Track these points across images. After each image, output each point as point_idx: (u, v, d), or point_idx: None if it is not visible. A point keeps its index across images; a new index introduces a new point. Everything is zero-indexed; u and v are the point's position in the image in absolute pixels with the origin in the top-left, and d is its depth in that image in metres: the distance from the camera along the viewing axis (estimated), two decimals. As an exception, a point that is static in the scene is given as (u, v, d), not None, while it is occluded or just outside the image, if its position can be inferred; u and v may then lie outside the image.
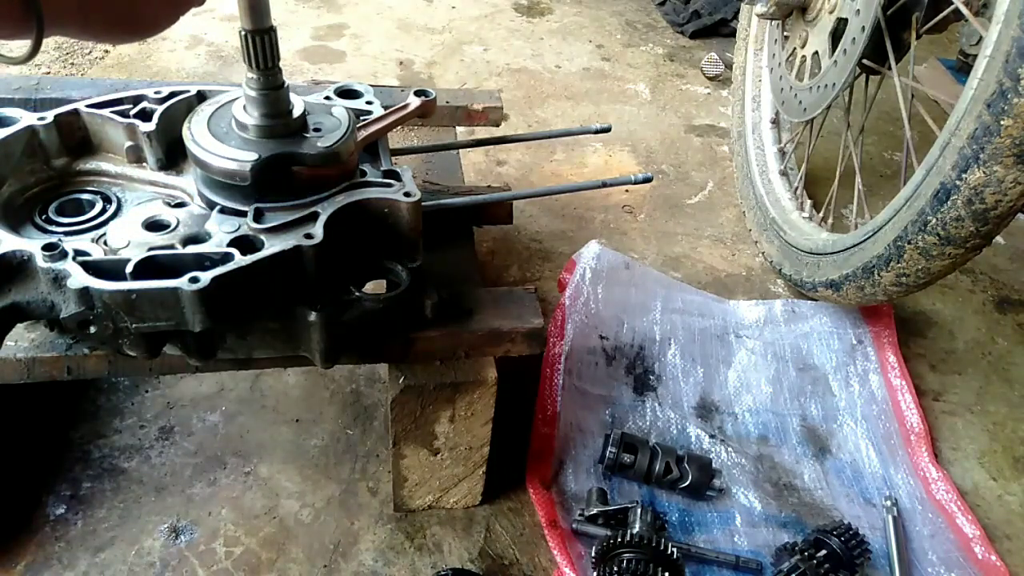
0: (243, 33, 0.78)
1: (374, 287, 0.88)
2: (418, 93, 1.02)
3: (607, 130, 1.25)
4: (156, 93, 0.92)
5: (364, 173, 0.89)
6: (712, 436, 1.24)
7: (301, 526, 1.06)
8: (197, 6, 0.77)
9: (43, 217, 0.85)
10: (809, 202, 1.62)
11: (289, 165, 0.83)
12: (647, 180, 1.14)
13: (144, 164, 0.90)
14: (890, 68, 1.27)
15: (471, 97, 1.38)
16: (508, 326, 0.93)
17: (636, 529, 1.00)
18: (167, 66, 2.15)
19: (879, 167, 2.01)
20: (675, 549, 0.96)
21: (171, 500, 1.07)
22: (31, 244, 0.73)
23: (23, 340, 0.82)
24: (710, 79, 2.31)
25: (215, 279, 0.70)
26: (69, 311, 0.70)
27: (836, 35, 1.31)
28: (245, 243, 0.77)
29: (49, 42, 2.13)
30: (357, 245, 0.86)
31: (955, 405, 1.37)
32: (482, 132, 1.58)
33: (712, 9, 2.56)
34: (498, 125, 1.40)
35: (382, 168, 0.92)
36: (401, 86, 1.92)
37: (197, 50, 2.24)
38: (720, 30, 2.56)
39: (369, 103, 1.00)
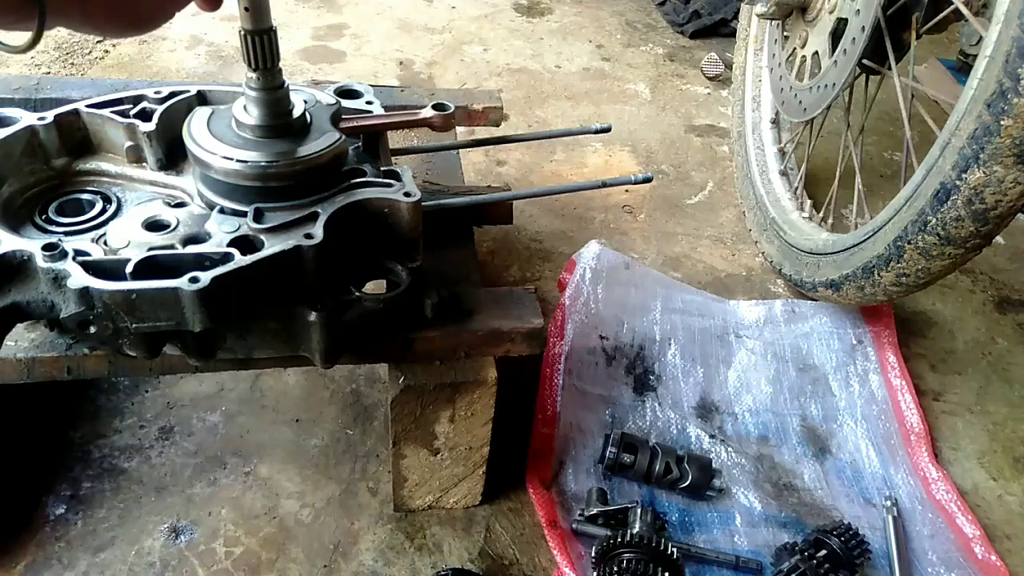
0: (243, 33, 0.78)
1: (374, 287, 0.88)
2: (436, 107, 1.02)
3: (607, 130, 1.25)
4: (156, 93, 0.92)
5: (364, 173, 0.89)
6: (712, 436, 1.24)
7: (301, 526, 1.07)
8: (210, 9, 0.76)
9: (43, 217, 0.85)
10: (809, 202, 1.62)
11: (289, 165, 0.83)
12: (647, 180, 1.15)
13: (144, 164, 0.90)
14: (890, 68, 1.27)
15: (471, 97, 1.38)
16: (508, 326, 0.93)
17: (636, 529, 1.00)
18: (167, 66, 2.15)
19: (879, 167, 2.01)
20: (675, 549, 0.96)
21: (171, 500, 1.07)
22: (31, 244, 0.73)
23: (23, 340, 0.82)
24: (710, 79, 2.31)
25: (215, 279, 0.70)
26: (69, 311, 0.70)
27: (836, 35, 1.31)
28: (245, 243, 0.77)
29: (49, 42, 2.14)
30: (357, 245, 0.86)
31: (955, 405, 1.37)
32: (482, 132, 1.58)
33: (712, 9, 2.56)
34: (498, 125, 1.40)
35: (382, 168, 0.92)
36: (401, 86, 1.93)
37: (197, 50, 2.23)
38: (720, 30, 2.56)
39: (369, 103, 1.00)
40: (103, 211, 0.86)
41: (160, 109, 0.90)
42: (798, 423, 1.29)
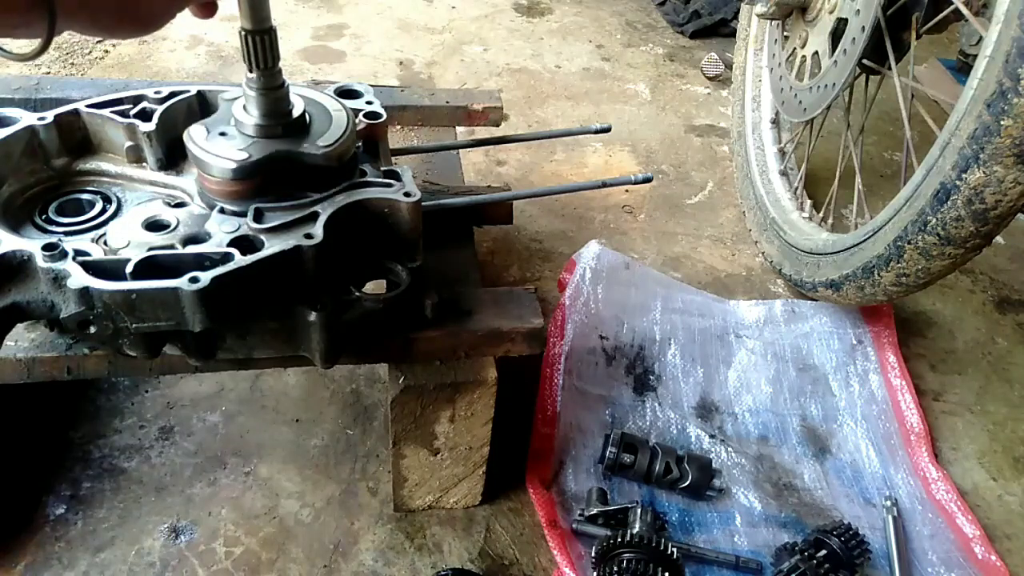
0: (243, 33, 0.78)
1: (374, 287, 0.88)
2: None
3: (607, 130, 1.25)
4: (156, 93, 0.92)
5: (364, 173, 0.89)
6: (712, 436, 1.24)
7: (301, 526, 1.07)
8: (206, 17, 0.76)
9: (43, 217, 0.85)
10: (809, 202, 1.61)
11: (289, 165, 0.83)
12: (647, 180, 1.15)
13: (144, 164, 0.90)
14: (890, 68, 1.27)
15: (471, 97, 1.38)
16: (508, 326, 0.93)
17: (636, 529, 1.00)
18: (167, 66, 2.15)
19: (879, 167, 2.01)
20: (675, 549, 0.96)
21: (171, 500, 1.07)
22: (31, 244, 0.73)
23: (23, 340, 0.82)
24: (710, 79, 2.31)
25: (215, 279, 0.70)
26: (69, 311, 0.70)
27: (836, 35, 1.31)
28: (245, 243, 0.77)
29: (49, 42, 2.13)
30: (357, 245, 0.86)
31: (955, 405, 1.37)
32: (482, 132, 1.58)
33: (712, 9, 2.56)
34: (498, 125, 1.40)
35: (382, 168, 0.92)
36: (401, 86, 1.93)
37: (197, 50, 2.23)
38: (720, 30, 2.56)
39: (369, 103, 1.00)
40: (103, 211, 0.86)
41: (160, 109, 0.89)
42: (798, 423, 1.29)
